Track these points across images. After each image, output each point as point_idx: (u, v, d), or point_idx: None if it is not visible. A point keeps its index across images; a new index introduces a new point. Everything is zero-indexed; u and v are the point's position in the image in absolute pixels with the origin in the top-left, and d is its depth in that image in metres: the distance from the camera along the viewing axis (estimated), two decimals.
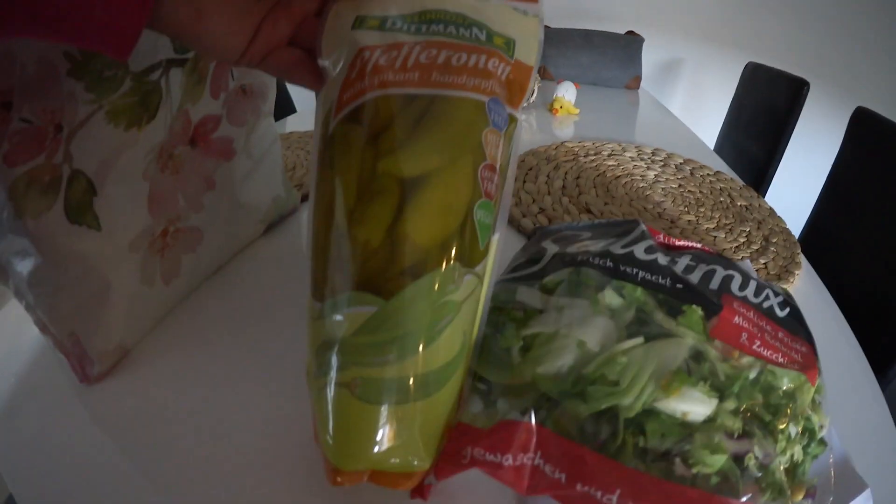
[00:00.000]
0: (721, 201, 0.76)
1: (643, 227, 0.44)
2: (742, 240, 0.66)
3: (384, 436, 0.26)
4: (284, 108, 1.35)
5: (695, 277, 0.40)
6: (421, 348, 0.26)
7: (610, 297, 0.36)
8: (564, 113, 1.19)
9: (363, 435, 0.26)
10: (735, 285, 0.40)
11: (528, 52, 0.31)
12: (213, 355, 0.41)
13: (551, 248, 0.43)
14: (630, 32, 1.78)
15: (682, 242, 0.45)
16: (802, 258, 0.64)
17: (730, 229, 0.68)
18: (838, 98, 2.00)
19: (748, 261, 0.58)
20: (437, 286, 0.26)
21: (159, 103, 0.38)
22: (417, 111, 0.27)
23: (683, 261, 0.42)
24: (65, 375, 0.38)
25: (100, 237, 0.36)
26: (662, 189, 0.77)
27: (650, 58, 1.92)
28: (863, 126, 1.00)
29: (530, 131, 1.12)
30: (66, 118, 0.32)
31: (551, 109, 1.20)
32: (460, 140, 0.27)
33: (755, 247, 0.65)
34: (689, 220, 0.68)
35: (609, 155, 0.89)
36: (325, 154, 0.28)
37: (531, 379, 0.31)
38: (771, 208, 0.77)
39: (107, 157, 0.35)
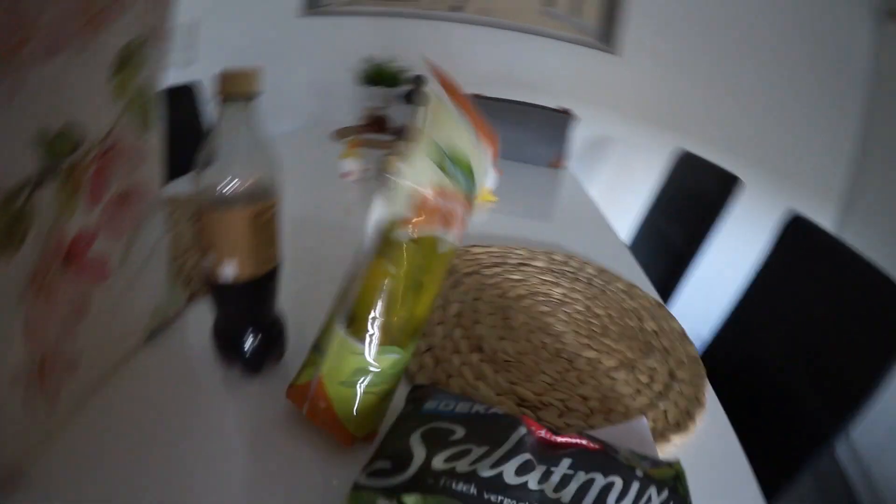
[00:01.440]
0: (630, 326, 0.72)
1: (523, 429, 0.41)
2: (645, 380, 0.61)
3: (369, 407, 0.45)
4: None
5: (568, 493, 0.37)
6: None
7: None
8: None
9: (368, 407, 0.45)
10: (613, 497, 0.38)
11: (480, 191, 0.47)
12: (102, 468, 0.43)
13: (419, 452, 0.39)
14: (563, 110, 1.79)
15: (563, 439, 0.42)
16: (707, 388, 0.62)
17: (632, 367, 0.63)
18: (769, 196, 2.08)
19: (643, 420, 0.53)
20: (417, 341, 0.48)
21: (27, 230, 0.37)
22: (433, 245, 0.43)
23: (560, 470, 0.38)
24: None
25: None
26: (566, 314, 0.72)
27: (581, 133, 1.94)
28: (792, 228, 1.02)
29: None
30: None
31: None
32: (442, 269, 0.46)
33: (658, 387, 0.60)
34: (588, 358, 0.63)
35: (517, 264, 0.84)
36: (388, 254, 0.42)
37: None
38: (682, 330, 0.74)
39: None
